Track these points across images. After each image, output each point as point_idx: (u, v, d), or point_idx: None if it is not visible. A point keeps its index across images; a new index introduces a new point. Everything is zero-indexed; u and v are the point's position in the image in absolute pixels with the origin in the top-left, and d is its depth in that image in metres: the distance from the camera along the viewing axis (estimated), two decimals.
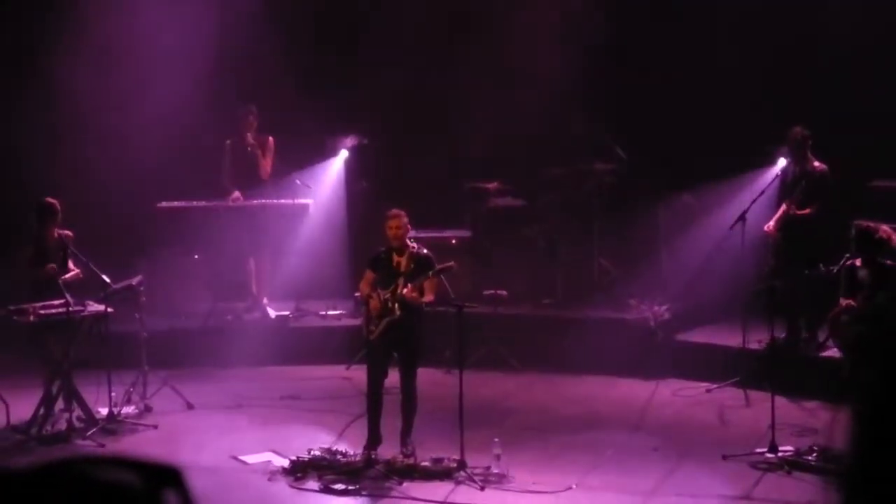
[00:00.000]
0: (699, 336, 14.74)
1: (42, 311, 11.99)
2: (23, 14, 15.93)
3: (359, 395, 12.22)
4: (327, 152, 16.50)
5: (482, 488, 10.34)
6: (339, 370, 14.47)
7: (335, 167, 16.53)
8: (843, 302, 11.49)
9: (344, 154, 16.47)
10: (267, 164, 15.49)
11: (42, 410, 12.09)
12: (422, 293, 11.02)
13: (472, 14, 16.60)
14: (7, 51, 15.99)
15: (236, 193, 15.34)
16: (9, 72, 15.89)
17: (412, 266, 11.08)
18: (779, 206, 13.46)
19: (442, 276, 11.12)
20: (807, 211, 13.14)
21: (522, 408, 13.23)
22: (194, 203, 15.39)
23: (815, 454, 10.77)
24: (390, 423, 11.15)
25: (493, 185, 16.02)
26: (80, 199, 13.64)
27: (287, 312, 15.72)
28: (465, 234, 15.94)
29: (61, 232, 12.73)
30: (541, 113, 15.98)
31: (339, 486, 10.49)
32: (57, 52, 15.50)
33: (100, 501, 1.49)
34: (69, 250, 12.60)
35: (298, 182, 15.51)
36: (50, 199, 12.76)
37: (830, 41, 14.67)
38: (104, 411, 12.31)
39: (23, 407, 12.21)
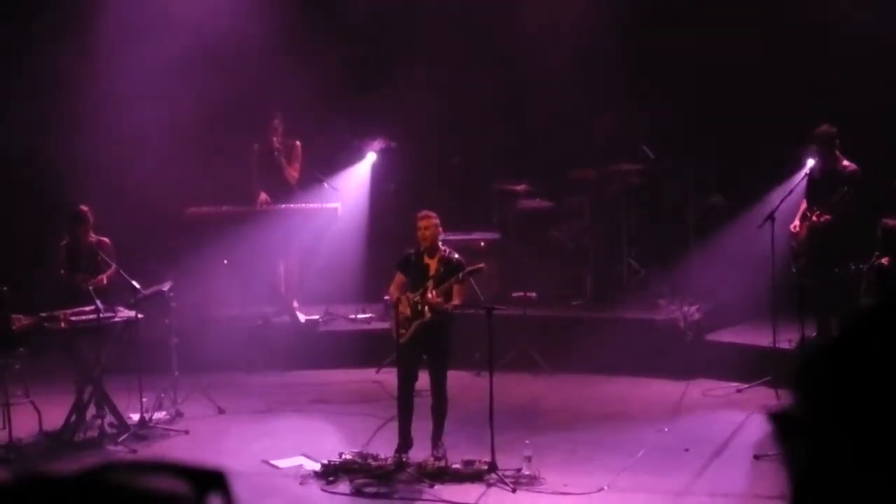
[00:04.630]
0: (729, 336, 14.70)
1: (73, 318, 12.05)
2: (41, 16, 15.97)
3: (389, 399, 12.23)
4: (355, 155, 16.52)
5: (513, 490, 10.34)
6: (370, 373, 14.48)
7: (363, 170, 16.56)
8: (869, 302, 11.40)
9: (372, 157, 16.50)
10: (294, 170, 15.51)
11: (74, 417, 12.14)
12: (450, 296, 11.00)
13: (498, 16, 16.59)
14: (29, 61, 16.04)
15: (263, 196, 15.37)
16: (33, 82, 15.94)
17: (442, 270, 11.05)
18: (802, 206, 13.42)
19: (471, 279, 11.10)
20: (828, 219, 13.03)
21: (553, 409, 13.21)
22: (223, 208, 15.44)
23: None
24: (421, 426, 11.14)
25: (521, 187, 16.03)
26: (109, 206, 13.68)
27: (317, 316, 15.75)
28: (494, 236, 15.93)
29: (100, 239, 12.82)
30: (568, 114, 15.97)
31: (371, 490, 10.51)
32: (83, 60, 15.58)
33: None
34: (100, 257, 12.67)
35: (326, 185, 15.55)
36: (83, 207, 12.85)
37: (856, 35, 14.59)
38: (136, 417, 12.36)
39: (55, 413, 12.25)
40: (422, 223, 11.17)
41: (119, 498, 1.47)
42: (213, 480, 1.54)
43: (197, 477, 1.53)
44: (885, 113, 14.27)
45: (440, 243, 11.28)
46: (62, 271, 12.75)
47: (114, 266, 12.66)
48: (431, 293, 10.92)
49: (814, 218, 13.15)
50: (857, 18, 14.54)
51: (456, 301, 11.00)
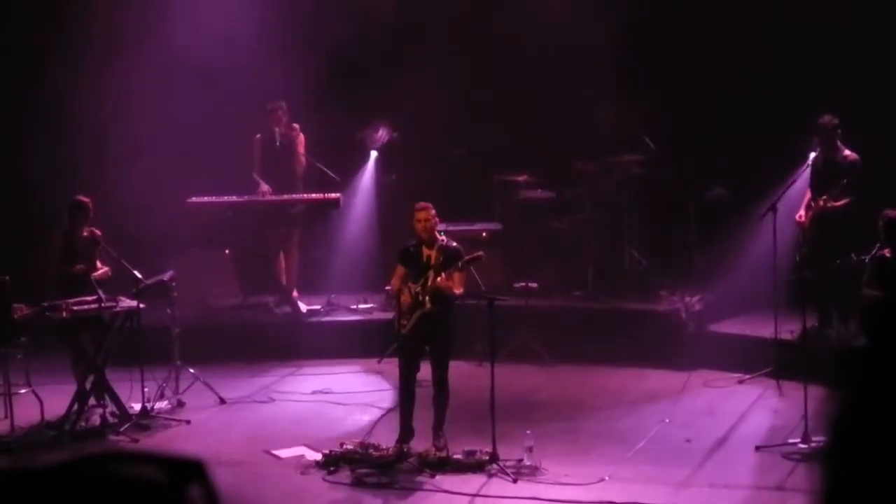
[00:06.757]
0: (731, 327, 14.69)
1: (75, 308, 12.04)
2: (45, 14, 15.97)
3: (391, 389, 12.25)
4: (357, 146, 16.51)
5: (514, 481, 10.34)
6: (371, 364, 14.47)
7: (365, 161, 16.55)
8: (871, 293, 11.39)
9: (374, 155, 16.51)
10: (302, 159, 15.45)
11: (75, 406, 12.14)
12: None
13: (499, 7, 16.59)
14: (30, 50, 16.05)
15: (265, 187, 15.36)
16: (34, 71, 15.94)
17: (441, 259, 11.05)
18: (807, 195, 13.43)
19: (472, 269, 11.10)
20: (840, 203, 13.03)
21: (554, 400, 13.21)
22: (224, 198, 15.42)
23: None
24: (422, 417, 11.14)
25: (522, 178, 16.00)
26: (110, 197, 13.69)
27: (318, 306, 15.73)
28: (496, 226, 15.92)
29: (92, 230, 12.78)
30: (570, 105, 15.94)
31: (372, 480, 10.52)
32: (83, 49, 15.59)
33: (124, 497, 1.49)
34: (99, 248, 12.66)
35: (330, 175, 15.52)
36: (82, 198, 12.81)
37: (858, 27, 14.57)
38: (137, 407, 12.36)
39: (56, 403, 12.25)
40: (419, 214, 11.18)
41: (99, 488, 1.47)
42: (192, 470, 1.54)
43: (176, 467, 1.53)
44: (888, 103, 14.23)
45: (438, 233, 11.28)
46: (52, 266, 12.68)
47: (113, 256, 12.64)
48: (436, 280, 10.91)
49: (821, 202, 13.13)
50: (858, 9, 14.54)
51: (459, 289, 11.01)
